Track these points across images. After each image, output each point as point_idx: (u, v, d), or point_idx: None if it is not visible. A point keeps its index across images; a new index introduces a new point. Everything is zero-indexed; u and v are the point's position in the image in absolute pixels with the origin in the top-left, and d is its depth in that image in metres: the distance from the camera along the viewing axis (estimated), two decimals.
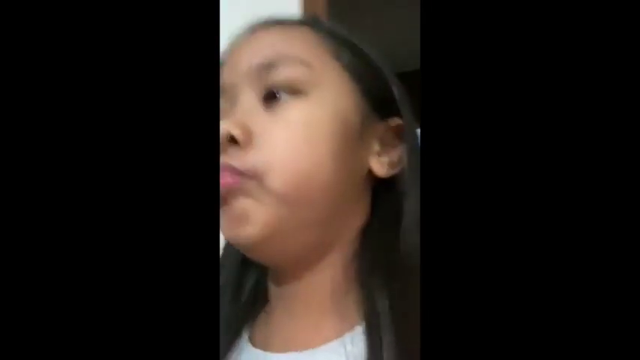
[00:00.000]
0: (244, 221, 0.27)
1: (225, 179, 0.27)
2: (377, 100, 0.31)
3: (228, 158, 0.27)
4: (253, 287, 0.34)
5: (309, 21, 0.34)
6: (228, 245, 0.34)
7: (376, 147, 0.31)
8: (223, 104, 0.30)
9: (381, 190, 0.31)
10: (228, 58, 0.32)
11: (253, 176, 0.27)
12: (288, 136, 0.28)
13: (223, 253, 0.35)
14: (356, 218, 0.31)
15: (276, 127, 0.28)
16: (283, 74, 0.29)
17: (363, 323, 0.28)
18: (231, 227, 0.28)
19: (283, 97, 0.29)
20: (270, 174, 0.27)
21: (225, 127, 0.27)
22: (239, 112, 0.29)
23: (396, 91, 0.32)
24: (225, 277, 0.34)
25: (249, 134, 0.28)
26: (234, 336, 0.33)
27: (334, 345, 0.28)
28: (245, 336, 0.33)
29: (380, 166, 0.31)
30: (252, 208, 0.27)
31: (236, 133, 0.27)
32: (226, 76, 0.30)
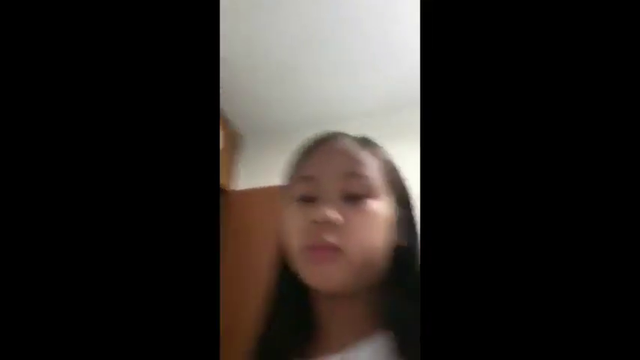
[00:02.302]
0: (331, 277, 0.41)
1: (324, 252, 0.41)
2: (403, 200, 0.49)
3: (325, 235, 0.41)
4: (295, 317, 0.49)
5: (364, 141, 0.51)
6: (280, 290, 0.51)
7: (398, 226, 0.47)
8: (308, 188, 0.46)
9: (397, 253, 0.47)
10: (314, 154, 0.48)
11: (343, 249, 0.41)
12: (364, 221, 0.43)
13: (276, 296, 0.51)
14: (382, 267, 0.46)
15: (357, 215, 0.43)
16: (362, 184, 0.45)
17: (386, 330, 0.42)
18: (319, 281, 0.42)
19: (362, 197, 0.44)
20: (355, 248, 0.41)
21: (326, 212, 0.42)
22: (329, 203, 0.43)
23: (403, 182, 0.50)
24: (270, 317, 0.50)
25: (341, 219, 0.42)
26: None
27: (362, 346, 0.42)
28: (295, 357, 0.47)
29: (401, 239, 0.47)
30: (338, 272, 0.41)
31: (335, 217, 0.42)
32: (315, 169, 0.47)
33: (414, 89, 1.71)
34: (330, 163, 0.46)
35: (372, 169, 0.46)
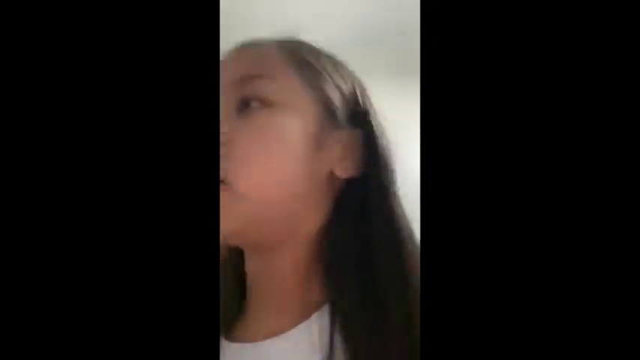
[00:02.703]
0: (224, 226, 0.30)
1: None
2: (338, 111, 0.36)
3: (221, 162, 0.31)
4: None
5: (280, 41, 0.39)
6: None
7: (339, 152, 0.35)
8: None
9: (346, 190, 0.36)
10: (235, 57, 0.37)
11: (226, 184, 0.31)
12: (255, 140, 0.33)
13: None
14: (318, 212, 0.35)
15: (246, 132, 0.33)
16: (255, 87, 0.34)
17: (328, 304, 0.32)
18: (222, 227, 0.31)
19: (254, 106, 0.34)
20: (239, 181, 0.32)
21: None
22: (223, 116, 0.32)
23: (362, 102, 0.38)
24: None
25: (227, 142, 0.31)
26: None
27: (301, 326, 0.32)
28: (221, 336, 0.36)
29: (341, 169, 0.35)
30: (226, 210, 0.30)
31: (222, 139, 0.30)
32: (225, 76, 0.34)
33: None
34: (224, 75, 0.33)
35: (278, 70, 0.35)
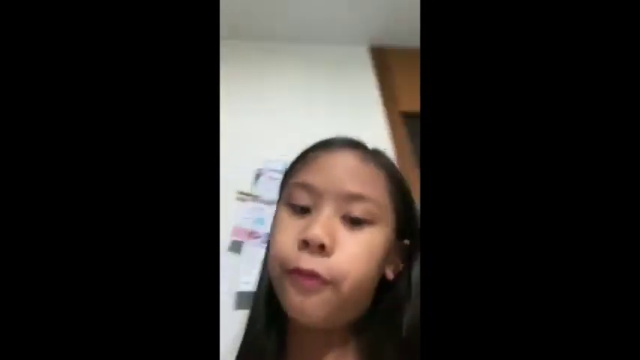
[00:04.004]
0: (312, 308, 0.37)
1: (309, 281, 0.37)
2: (403, 229, 0.44)
3: (313, 262, 0.37)
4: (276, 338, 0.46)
5: (376, 153, 0.47)
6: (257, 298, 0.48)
7: (390, 258, 0.43)
8: (306, 199, 0.41)
9: (384, 287, 0.43)
10: (318, 161, 0.44)
11: (330, 282, 0.37)
12: (360, 250, 0.39)
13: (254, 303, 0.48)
14: (367, 302, 0.43)
15: (353, 242, 0.39)
16: (365, 208, 0.40)
17: None
18: (297, 311, 0.38)
19: (361, 225, 0.40)
20: (345, 280, 0.37)
21: (319, 234, 0.37)
22: (325, 221, 0.39)
23: (414, 221, 0.45)
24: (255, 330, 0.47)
25: (333, 245, 0.38)
26: None
27: None
28: None
29: (390, 272, 0.43)
30: (320, 303, 0.37)
31: (327, 241, 0.37)
32: (316, 179, 0.42)
33: None
34: (333, 176, 0.41)
35: (378, 191, 0.42)
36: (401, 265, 0.44)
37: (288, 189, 0.44)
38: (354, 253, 0.38)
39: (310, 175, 0.42)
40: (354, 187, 0.40)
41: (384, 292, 0.43)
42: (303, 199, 0.42)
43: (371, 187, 0.41)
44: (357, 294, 0.39)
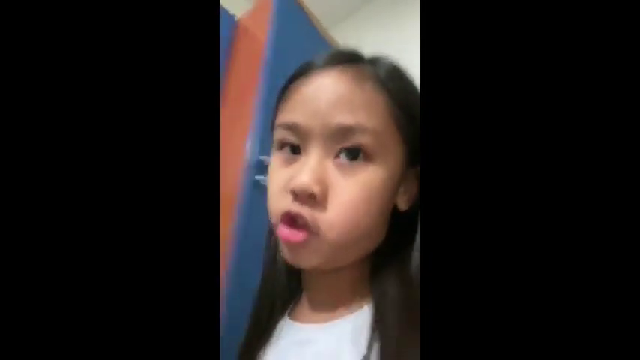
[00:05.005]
0: (303, 259, 0.36)
1: (293, 236, 0.34)
2: (416, 155, 0.37)
3: (301, 208, 0.33)
4: (286, 278, 0.46)
5: (377, 66, 0.38)
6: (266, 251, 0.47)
7: (402, 188, 0.38)
8: (292, 138, 0.36)
9: (398, 217, 0.38)
10: (301, 91, 0.36)
11: (316, 232, 0.34)
12: (355, 196, 0.34)
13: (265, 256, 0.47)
14: (378, 240, 0.38)
15: (347, 187, 0.34)
16: (360, 141, 0.34)
17: (372, 304, 0.36)
18: (292, 257, 0.36)
19: (358, 161, 0.34)
20: (331, 231, 0.33)
21: (308, 182, 0.32)
22: (314, 167, 0.34)
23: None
24: (265, 272, 0.47)
25: (325, 192, 0.33)
26: (279, 314, 0.45)
27: (347, 318, 0.36)
28: (286, 313, 0.45)
29: (402, 203, 0.38)
30: (310, 254, 0.35)
31: (316, 190, 0.33)
32: (298, 116, 0.35)
33: None
34: (317, 108, 0.34)
35: (377, 118, 0.34)
36: (415, 196, 0.38)
37: (276, 132, 0.38)
38: (348, 200, 0.33)
39: (292, 113, 0.36)
40: (343, 119, 0.33)
41: (399, 222, 0.38)
42: (289, 141, 0.36)
43: (366, 114, 0.34)
44: (353, 238, 0.34)
